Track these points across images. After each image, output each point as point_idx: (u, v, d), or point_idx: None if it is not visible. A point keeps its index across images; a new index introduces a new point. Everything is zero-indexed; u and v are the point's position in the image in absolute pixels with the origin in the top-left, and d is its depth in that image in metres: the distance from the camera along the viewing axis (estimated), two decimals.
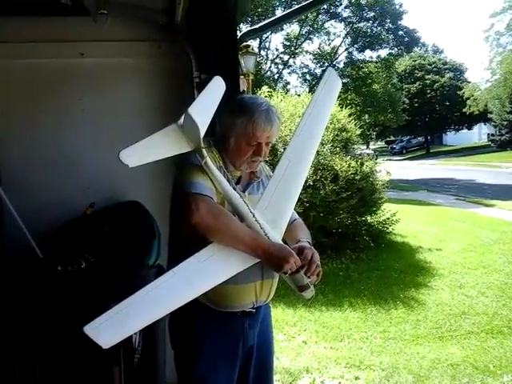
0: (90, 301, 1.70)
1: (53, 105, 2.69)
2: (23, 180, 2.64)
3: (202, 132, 1.57)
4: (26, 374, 1.68)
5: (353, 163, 6.96)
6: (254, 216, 1.58)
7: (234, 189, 1.62)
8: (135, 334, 1.80)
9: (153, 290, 1.45)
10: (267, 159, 1.87)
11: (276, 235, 1.62)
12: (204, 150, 1.59)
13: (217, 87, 1.73)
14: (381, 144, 45.91)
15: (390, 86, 26.66)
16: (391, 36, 27.49)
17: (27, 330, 1.70)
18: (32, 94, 2.68)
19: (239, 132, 1.68)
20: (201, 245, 1.53)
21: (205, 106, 1.64)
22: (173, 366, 1.80)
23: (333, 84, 2.00)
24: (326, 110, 1.99)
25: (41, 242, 2.35)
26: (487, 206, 11.94)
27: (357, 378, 3.45)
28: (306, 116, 1.86)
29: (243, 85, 7.36)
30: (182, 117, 1.57)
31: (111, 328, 1.38)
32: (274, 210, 1.66)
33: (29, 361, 1.69)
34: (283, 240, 1.67)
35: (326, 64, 25.75)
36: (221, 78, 1.75)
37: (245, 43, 7.36)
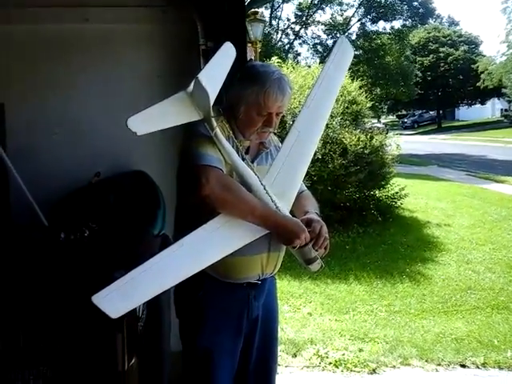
0: (93, 269, 1.70)
1: (57, 71, 2.65)
2: (29, 148, 2.62)
3: (212, 100, 1.53)
4: (29, 341, 1.70)
5: (362, 137, 6.87)
6: (264, 187, 1.55)
7: (243, 159, 1.59)
8: None
9: (161, 260, 1.44)
10: (276, 131, 1.83)
11: (284, 207, 1.59)
12: (213, 120, 1.55)
13: (227, 54, 1.67)
14: (392, 118, 45.44)
15: (402, 58, 26.18)
16: (405, 7, 26.89)
17: (31, 298, 1.71)
18: (36, 60, 2.63)
19: (250, 101, 1.63)
20: (208, 215, 1.51)
21: (215, 73, 1.59)
22: (177, 335, 1.81)
23: (345, 53, 1.93)
24: (338, 81, 1.92)
25: (46, 210, 2.35)
26: (498, 182, 11.82)
27: (361, 350, 3.47)
28: (317, 86, 1.80)
29: (250, 53, 7.23)
30: (192, 84, 1.52)
31: (120, 298, 1.38)
32: (283, 182, 1.63)
33: (32, 328, 1.70)
34: (291, 211, 1.65)
35: (338, 35, 25.29)
36: (231, 44, 1.69)
37: (253, 10, 7.17)
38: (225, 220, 1.51)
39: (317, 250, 1.60)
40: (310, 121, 1.77)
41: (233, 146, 1.60)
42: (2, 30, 2.54)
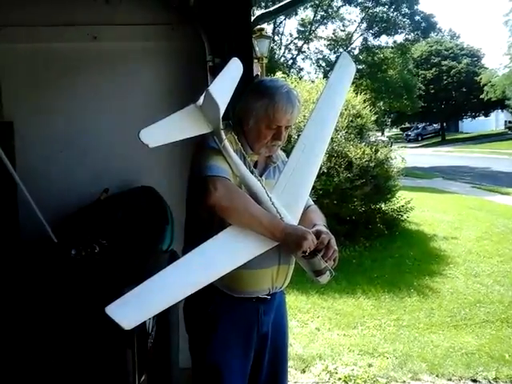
0: (103, 285, 1.70)
1: (66, 89, 2.68)
2: (38, 165, 2.64)
3: (221, 112, 1.56)
4: (39, 357, 1.69)
5: (367, 150, 6.88)
6: (271, 200, 1.56)
7: (252, 172, 1.61)
8: (149, 318, 1.80)
9: (173, 271, 1.45)
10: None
11: (292, 219, 1.60)
12: (222, 132, 1.58)
13: (234, 69, 1.71)
14: (396, 131, 45.44)
15: (405, 72, 26.27)
16: (407, 21, 27.03)
17: (42, 314, 1.70)
18: (45, 77, 2.67)
19: (259, 115, 1.65)
20: (218, 228, 1.53)
21: (223, 87, 1.63)
22: (186, 351, 1.80)
23: (347, 69, 1.98)
24: (341, 95, 1.97)
25: (55, 226, 2.35)
26: (503, 194, 11.78)
27: (370, 366, 3.44)
28: (321, 101, 1.85)
29: (257, 69, 7.30)
30: (202, 97, 1.55)
31: (132, 309, 1.38)
32: (290, 195, 1.64)
33: (43, 344, 1.70)
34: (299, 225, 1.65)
35: (341, 50, 25.46)
36: (238, 59, 1.72)
37: (258, 26, 7.27)
38: (235, 231, 1.53)
39: (326, 262, 1.60)
40: (315, 134, 1.80)
41: (241, 159, 1.62)
42: (11, 49, 2.58)
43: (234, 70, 1.70)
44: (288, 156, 1.76)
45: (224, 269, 1.51)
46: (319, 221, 1.74)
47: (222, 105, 1.55)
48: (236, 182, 1.59)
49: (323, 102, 1.84)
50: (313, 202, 1.89)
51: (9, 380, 1.68)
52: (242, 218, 1.52)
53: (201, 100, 1.56)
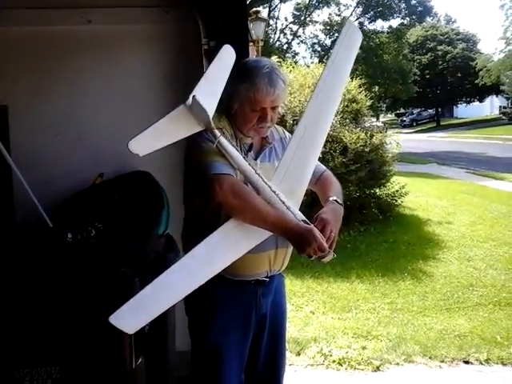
0: (99, 268, 1.71)
1: (61, 72, 2.65)
2: (33, 149, 2.62)
3: (211, 113, 1.54)
4: (37, 341, 1.70)
5: (362, 135, 6.87)
6: (270, 188, 1.56)
7: (245, 158, 1.59)
8: None
9: (174, 273, 1.48)
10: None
11: (293, 205, 1.59)
12: (216, 131, 1.55)
13: (226, 57, 1.65)
14: (391, 116, 45.46)
15: (400, 57, 26.22)
16: (403, 5, 26.88)
17: (40, 298, 1.71)
18: (40, 61, 2.63)
19: (242, 98, 1.63)
20: (216, 217, 1.55)
21: (213, 82, 1.59)
22: (182, 334, 1.82)
23: (352, 38, 1.81)
24: (346, 67, 1.81)
25: (50, 211, 2.35)
26: (497, 179, 11.84)
27: (364, 348, 3.48)
28: (324, 76, 1.72)
29: (252, 52, 7.24)
30: (190, 97, 1.53)
31: (136, 315, 1.43)
32: (291, 180, 1.62)
33: (41, 328, 1.71)
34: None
35: (336, 35, 25.33)
36: (230, 46, 1.68)
37: (254, 9, 7.22)
38: (233, 225, 1.53)
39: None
40: (317, 114, 1.71)
41: (236, 147, 1.60)
42: (5, 32, 2.55)
43: (225, 58, 1.64)
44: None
45: (223, 263, 1.54)
46: (333, 193, 1.74)
47: (213, 103, 1.54)
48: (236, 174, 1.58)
49: (327, 79, 1.72)
50: (324, 167, 1.88)
51: (5, 362, 1.70)
52: (246, 216, 1.53)
53: (189, 100, 1.53)
